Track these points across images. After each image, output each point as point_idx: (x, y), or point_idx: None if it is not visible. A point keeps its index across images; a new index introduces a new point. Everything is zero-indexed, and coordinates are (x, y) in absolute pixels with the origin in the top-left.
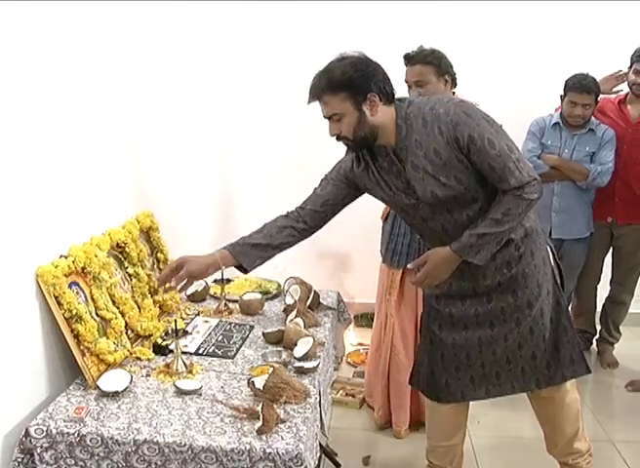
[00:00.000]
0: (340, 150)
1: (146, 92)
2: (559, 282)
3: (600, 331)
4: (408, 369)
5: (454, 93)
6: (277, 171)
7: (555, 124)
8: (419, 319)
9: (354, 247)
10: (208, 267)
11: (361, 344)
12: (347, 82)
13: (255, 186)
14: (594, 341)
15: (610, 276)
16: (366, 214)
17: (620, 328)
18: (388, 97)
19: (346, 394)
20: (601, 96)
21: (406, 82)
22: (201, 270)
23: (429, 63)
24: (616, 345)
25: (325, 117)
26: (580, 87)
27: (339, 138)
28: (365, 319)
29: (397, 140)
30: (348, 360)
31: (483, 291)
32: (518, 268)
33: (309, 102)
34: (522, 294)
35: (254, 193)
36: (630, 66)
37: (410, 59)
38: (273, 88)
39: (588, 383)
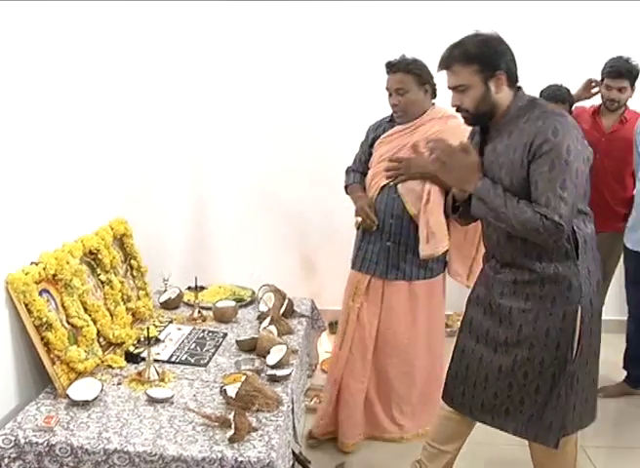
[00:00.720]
0: (312, 162)
1: (122, 99)
2: (575, 348)
3: None
4: (362, 379)
5: (433, 103)
6: (251, 181)
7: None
8: (380, 328)
9: (329, 254)
10: None
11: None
12: (481, 56)
13: (228, 196)
14: None
15: None
16: (341, 222)
17: None
18: (513, 79)
19: (320, 401)
20: (580, 103)
21: (387, 89)
22: None
23: (410, 72)
24: None
25: (450, 87)
26: (555, 97)
27: (458, 110)
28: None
29: (497, 122)
30: (322, 367)
31: (496, 310)
32: (533, 306)
33: (438, 71)
34: (527, 333)
35: (227, 202)
36: (602, 80)
37: (392, 67)
38: (250, 98)
39: None
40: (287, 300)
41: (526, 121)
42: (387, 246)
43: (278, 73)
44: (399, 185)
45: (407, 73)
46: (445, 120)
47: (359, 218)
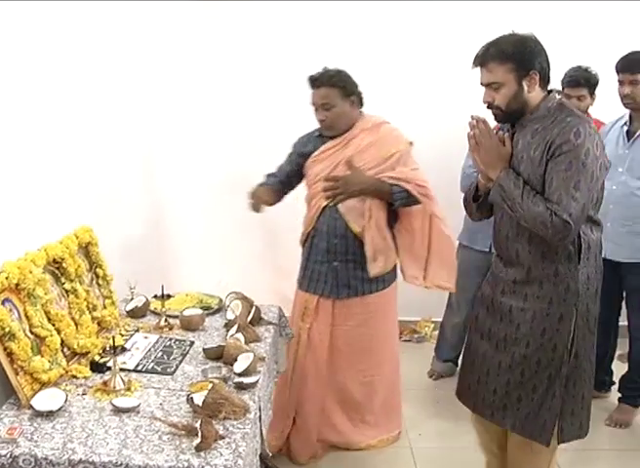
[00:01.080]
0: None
1: (83, 106)
2: (569, 350)
3: None
4: (316, 400)
5: (361, 112)
6: (217, 188)
7: None
8: (333, 344)
9: (297, 262)
10: None
11: None
12: (516, 55)
13: (195, 203)
14: None
15: None
16: None
17: None
18: (545, 79)
19: None
20: None
21: (312, 104)
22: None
23: (335, 86)
24: None
25: (483, 84)
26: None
27: (489, 107)
28: None
29: (524, 119)
30: None
31: (497, 308)
32: (531, 305)
33: (473, 68)
34: (525, 332)
35: (194, 210)
36: (562, 90)
37: (314, 82)
38: (213, 101)
39: None
40: (254, 308)
41: (552, 122)
42: (335, 266)
43: (242, 67)
44: (339, 205)
45: (331, 87)
46: (376, 129)
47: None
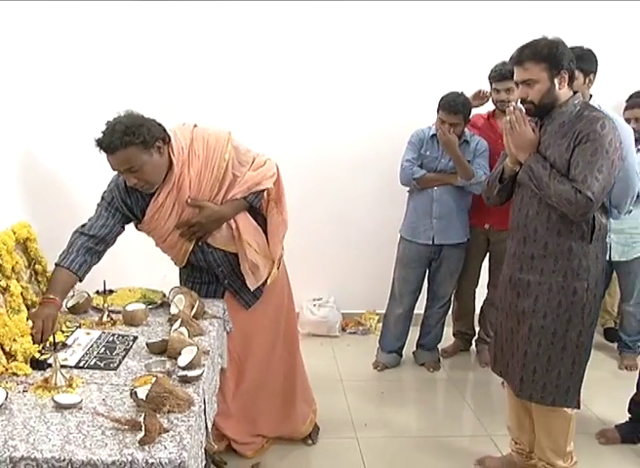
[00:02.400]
0: None
1: (21, 99)
2: (585, 321)
3: (478, 331)
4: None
5: (169, 141)
6: None
7: (433, 135)
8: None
9: None
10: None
11: None
12: (550, 55)
13: None
14: (473, 342)
15: (487, 279)
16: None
17: None
18: (572, 78)
19: None
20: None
21: (114, 170)
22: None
23: (130, 145)
24: None
25: (518, 81)
26: (449, 107)
27: (523, 102)
28: None
29: (554, 111)
30: None
31: (515, 284)
32: (547, 279)
33: (511, 66)
34: (542, 303)
35: None
36: (490, 85)
37: (107, 150)
38: (160, 97)
39: (468, 381)
40: (198, 302)
41: (578, 115)
42: (225, 284)
43: (205, 71)
44: (209, 240)
45: (127, 147)
46: (193, 143)
47: None
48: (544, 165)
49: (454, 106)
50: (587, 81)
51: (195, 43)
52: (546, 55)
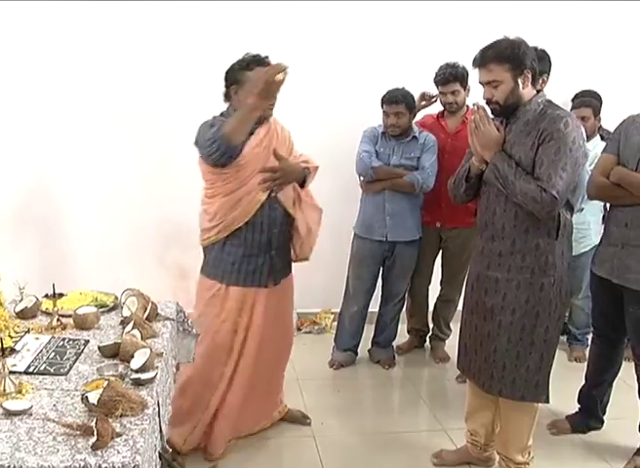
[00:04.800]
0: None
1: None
2: (552, 316)
3: (432, 328)
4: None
5: None
6: (107, 182)
7: (383, 133)
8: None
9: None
10: None
11: None
12: (513, 56)
13: (85, 198)
14: (427, 338)
15: (440, 276)
16: None
17: (450, 324)
18: (535, 77)
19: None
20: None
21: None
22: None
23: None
24: (447, 341)
25: (482, 82)
26: (390, 98)
27: (488, 102)
28: None
29: (519, 111)
30: None
31: (482, 281)
32: (515, 275)
33: (474, 68)
34: (510, 300)
35: (85, 205)
36: (437, 89)
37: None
38: (100, 97)
39: (423, 377)
40: (150, 304)
41: (542, 114)
42: (272, 254)
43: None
44: (278, 195)
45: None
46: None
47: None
48: (510, 163)
49: (394, 97)
50: (541, 81)
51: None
52: (509, 55)
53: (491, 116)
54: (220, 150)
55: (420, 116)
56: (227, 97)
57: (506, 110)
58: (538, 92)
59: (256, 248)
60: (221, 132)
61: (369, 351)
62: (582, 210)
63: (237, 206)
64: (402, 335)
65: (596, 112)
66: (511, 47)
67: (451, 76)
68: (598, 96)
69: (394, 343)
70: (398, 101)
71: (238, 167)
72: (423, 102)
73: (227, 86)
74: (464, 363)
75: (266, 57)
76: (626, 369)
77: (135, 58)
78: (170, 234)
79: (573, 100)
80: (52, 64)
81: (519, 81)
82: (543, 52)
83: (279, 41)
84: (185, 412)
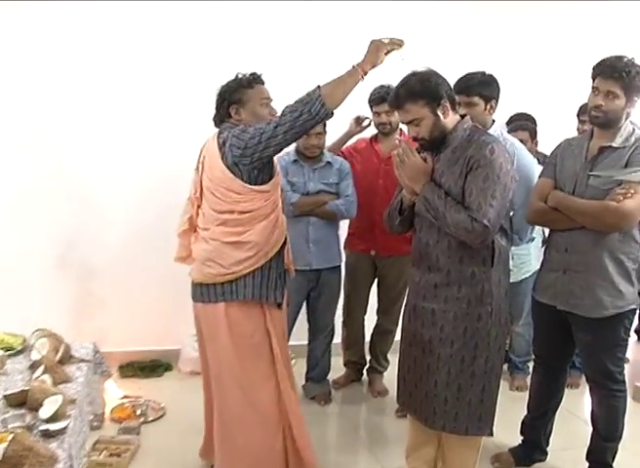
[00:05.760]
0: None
1: None
2: (492, 346)
3: (370, 360)
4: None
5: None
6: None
7: (295, 161)
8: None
9: (115, 288)
10: None
11: (127, 397)
12: (425, 90)
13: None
14: (365, 371)
15: (377, 306)
16: (119, 250)
17: (388, 356)
18: (454, 103)
19: (111, 454)
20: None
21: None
22: None
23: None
24: (385, 373)
25: (404, 123)
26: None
27: (415, 139)
28: (132, 368)
29: (446, 140)
30: (113, 416)
31: (419, 313)
32: (451, 307)
33: (391, 110)
34: (448, 332)
35: None
36: (371, 109)
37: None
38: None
39: (361, 413)
40: (63, 345)
41: (468, 141)
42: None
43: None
44: None
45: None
46: None
47: None
48: (439, 194)
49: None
50: (489, 107)
51: None
52: (421, 91)
53: (425, 153)
54: (316, 114)
55: (352, 140)
56: (223, 116)
57: (435, 143)
58: (462, 116)
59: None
60: (318, 93)
61: (303, 387)
62: (534, 239)
63: (275, 228)
64: (338, 369)
65: (533, 135)
66: (421, 81)
67: (386, 95)
68: (533, 119)
69: (330, 377)
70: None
71: (275, 183)
72: (357, 128)
73: (226, 106)
74: (405, 397)
75: (261, 74)
76: (569, 396)
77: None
78: (83, 270)
79: (508, 124)
80: None
81: (439, 113)
82: (491, 77)
83: (263, 51)
84: None
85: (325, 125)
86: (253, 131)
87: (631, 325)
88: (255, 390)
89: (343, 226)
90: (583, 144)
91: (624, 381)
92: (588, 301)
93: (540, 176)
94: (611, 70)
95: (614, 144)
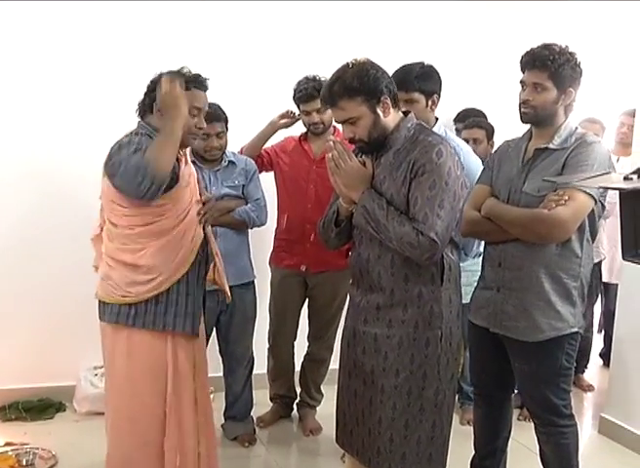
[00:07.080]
0: None
1: None
2: (441, 375)
3: (300, 393)
4: None
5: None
6: None
7: (193, 162)
8: None
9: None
10: None
11: (10, 444)
12: (363, 85)
13: None
14: (295, 406)
15: (307, 331)
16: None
17: (322, 388)
18: (396, 99)
19: None
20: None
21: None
22: None
23: None
24: (317, 408)
25: (339, 122)
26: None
27: (352, 141)
28: (14, 410)
29: (387, 142)
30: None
31: (360, 339)
32: (396, 331)
33: (324, 107)
34: (392, 360)
35: None
36: (298, 108)
37: None
38: None
39: (292, 455)
40: None
41: (413, 142)
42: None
43: None
44: None
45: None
46: None
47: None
48: (380, 204)
49: (211, 114)
50: (431, 103)
51: None
52: (358, 86)
53: (364, 157)
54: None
55: (278, 138)
56: (145, 110)
57: (374, 145)
58: (405, 113)
59: (193, 286)
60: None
61: (222, 427)
62: (481, 254)
63: (178, 247)
64: (263, 404)
65: (490, 135)
66: (358, 76)
67: (315, 91)
68: (484, 115)
69: (253, 414)
70: (217, 119)
71: (177, 195)
72: (284, 120)
73: (152, 98)
74: (345, 436)
75: (207, 79)
76: (525, 430)
77: None
78: None
79: (459, 121)
80: None
81: (378, 110)
82: (431, 68)
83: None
84: None
85: (226, 123)
86: (124, 154)
87: (575, 351)
88: (146, 429)
89: (254, 235)
90: (521, 146)
91: (572, 415)
92: (523, 323)
93: (476, 183)
94: (534, 60)
95: (550, 146)
